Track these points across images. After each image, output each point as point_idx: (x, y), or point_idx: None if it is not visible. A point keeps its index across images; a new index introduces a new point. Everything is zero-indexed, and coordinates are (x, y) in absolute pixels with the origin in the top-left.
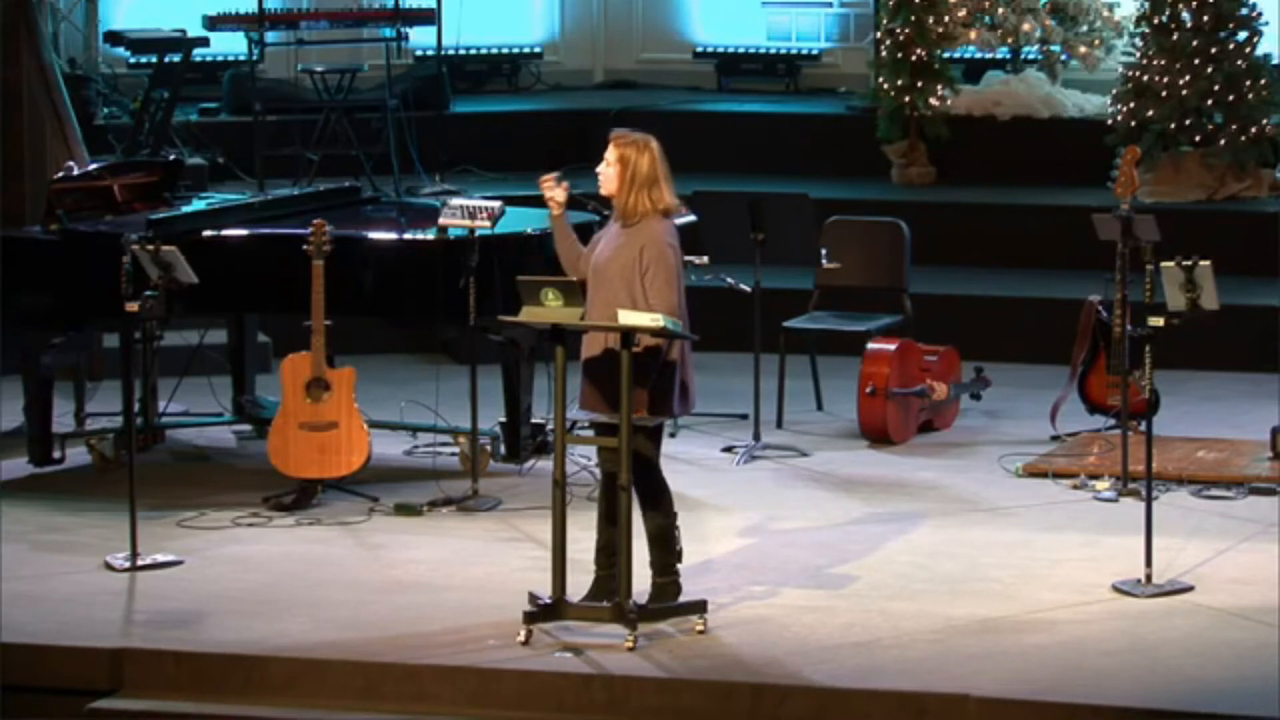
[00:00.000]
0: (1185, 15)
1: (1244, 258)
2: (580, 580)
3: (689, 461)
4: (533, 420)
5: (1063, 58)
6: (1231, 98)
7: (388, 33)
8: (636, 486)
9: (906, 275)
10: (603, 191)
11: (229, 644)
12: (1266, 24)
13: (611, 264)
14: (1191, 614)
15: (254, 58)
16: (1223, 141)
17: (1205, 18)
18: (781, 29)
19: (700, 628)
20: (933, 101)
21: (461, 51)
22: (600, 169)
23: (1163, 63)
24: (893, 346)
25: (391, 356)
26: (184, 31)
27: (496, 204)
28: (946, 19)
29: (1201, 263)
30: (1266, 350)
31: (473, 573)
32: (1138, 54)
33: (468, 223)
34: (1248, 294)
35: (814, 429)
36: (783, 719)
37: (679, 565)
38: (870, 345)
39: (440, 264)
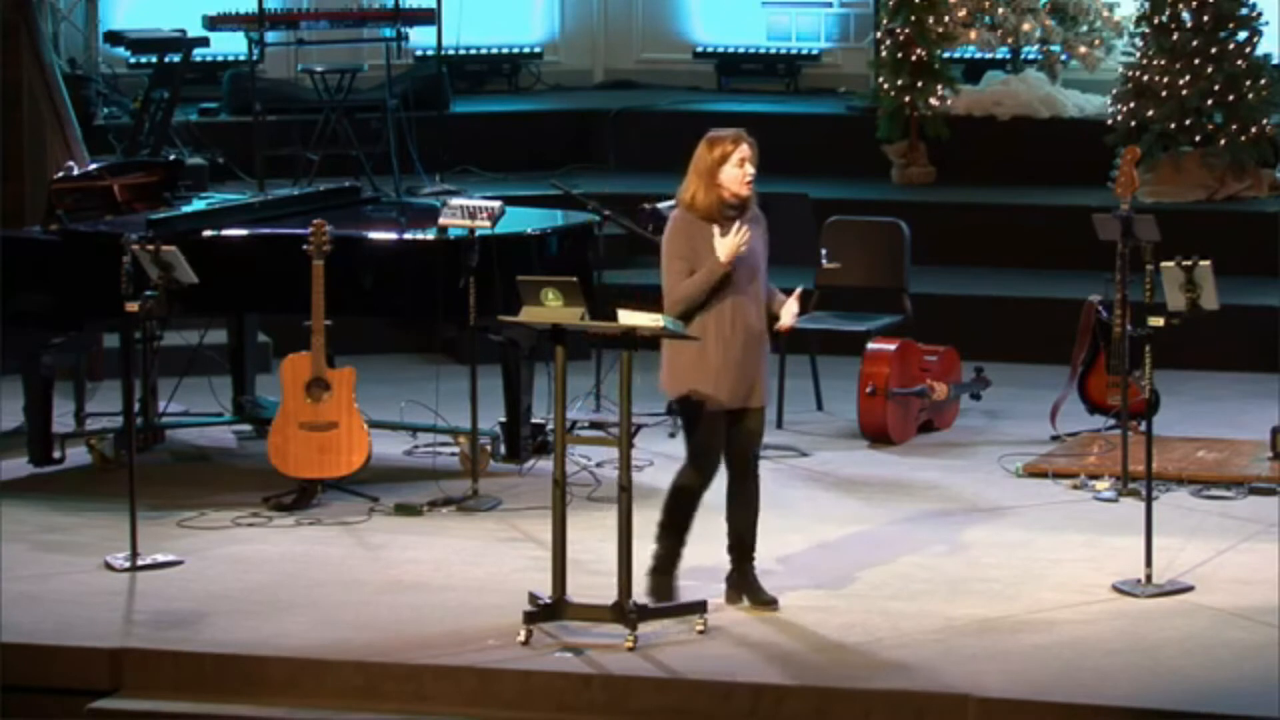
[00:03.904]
0: (1185, 15)
1: (1244, 258)
2: (580, 580)
3: None
4: (533, 420)
5: (1063, 58)
6: (1231, 98)
7: (388, 33)
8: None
9: (906, 275)
10: (748, 192)
11: (229, 644)
12: (1266, 24)
13: (755, 255)
14: (1191, 614)
15: (254, 58)
16: (1223, 141)
17: (1205, 18)
18: (781, 29)
19: (700, 628)
20: (933, 101)
21: (461, 51)
22: (742, 173)
23: (1163, 63)
24: (893, 346)
25: (391, 356)
26: (184, 31)
27: (496, 204)
28: (946, 19)
29: (1201, 263)
30: (1266, 350)
31: (473, 573)
32: (1138, 54)
33: (468, 223)
34: (1248, 294)
35: (814, 429)
36: (783, 719)
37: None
38: (870, 345)
39: (440, 264)
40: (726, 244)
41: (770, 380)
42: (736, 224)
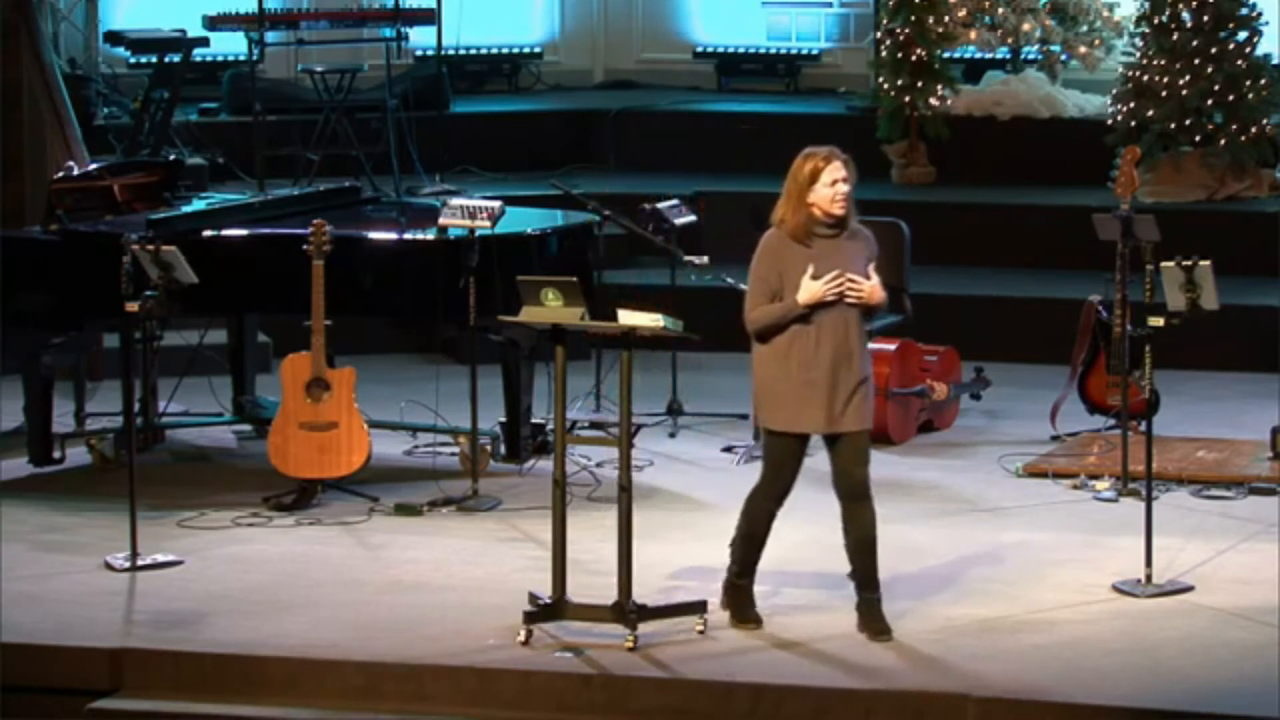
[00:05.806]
0: (1185, 15)
1: (1244, 258)
2: (580, 580)
3: (689, 461)
4: (533, 420)
5: (1063, 58)
6: (1231, 98)
7: (388, 33)
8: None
9: (906, 275)
10: (841, 211)
11: (229, 644)
12: (1266, 24)
13: (854, 271)
14: (1191, 614)
15: (254, 58)
16: (1223, 141)
17: (1205, 18)
18: (781, 29)
19: (700, 628)
20: (933, 101)
21: (461, 51)
22: (833, 192)
23: (1163, 63)
24: (893, 346)
25: (391, 356)
26: (184, 31)
27: (496, 204)
28: (946, 19)
29: (1201, 263)
30: (1266, 350)
31: (473, 573)
32: (1138, 54)
33: (468, 223)
34: (1248, 294)
35: None
36: (782, 719)
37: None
38: (870, 345)
39: (440, 264)
40: (813, 289)
41: None
42: (834, 271)
